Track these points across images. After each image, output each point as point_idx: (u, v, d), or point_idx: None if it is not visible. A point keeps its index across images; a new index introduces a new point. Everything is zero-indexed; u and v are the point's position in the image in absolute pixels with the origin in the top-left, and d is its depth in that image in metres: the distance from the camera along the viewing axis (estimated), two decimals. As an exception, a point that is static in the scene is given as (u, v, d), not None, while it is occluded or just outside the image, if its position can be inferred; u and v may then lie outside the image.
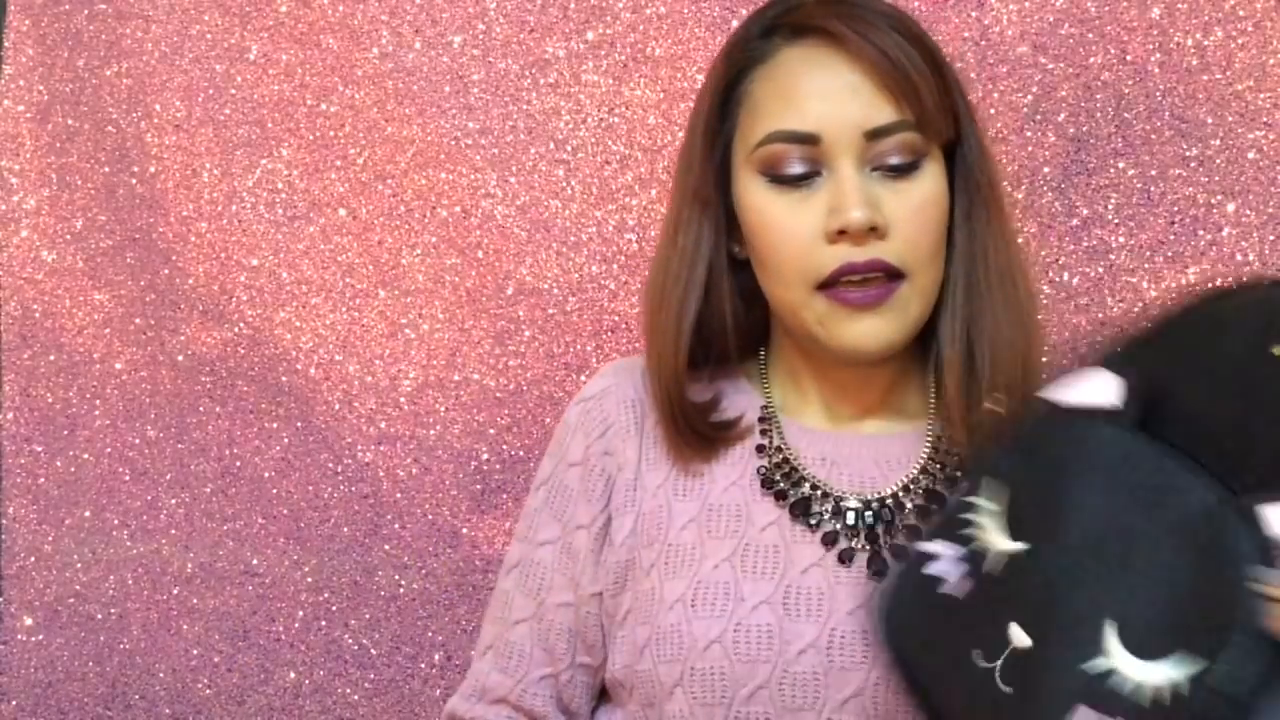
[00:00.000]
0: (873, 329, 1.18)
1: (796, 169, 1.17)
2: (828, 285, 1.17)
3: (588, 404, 1.31)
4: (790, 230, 1.17)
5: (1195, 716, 0.82)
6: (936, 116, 1.17)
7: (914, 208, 1.17)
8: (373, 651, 1.70)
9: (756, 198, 1.19)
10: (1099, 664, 0.84)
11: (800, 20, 1.20)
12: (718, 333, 1.26)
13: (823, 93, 1.16)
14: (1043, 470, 0.93)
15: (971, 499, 0.96)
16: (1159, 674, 0.83)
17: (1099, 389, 0.93)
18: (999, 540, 0.91)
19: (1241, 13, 1.55)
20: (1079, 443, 0.92)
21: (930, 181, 1.18)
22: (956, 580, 0.96)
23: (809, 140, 1.16)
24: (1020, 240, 1.33)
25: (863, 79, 1.16)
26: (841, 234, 1.15)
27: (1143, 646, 0.83)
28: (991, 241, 1.22)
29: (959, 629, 0.94)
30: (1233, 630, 0.82)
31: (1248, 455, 0.85)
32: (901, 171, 1.16)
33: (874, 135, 1.15)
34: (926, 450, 1.24)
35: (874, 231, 1.15)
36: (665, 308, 1.25)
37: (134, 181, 1.71)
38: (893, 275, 1.16)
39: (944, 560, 0.96)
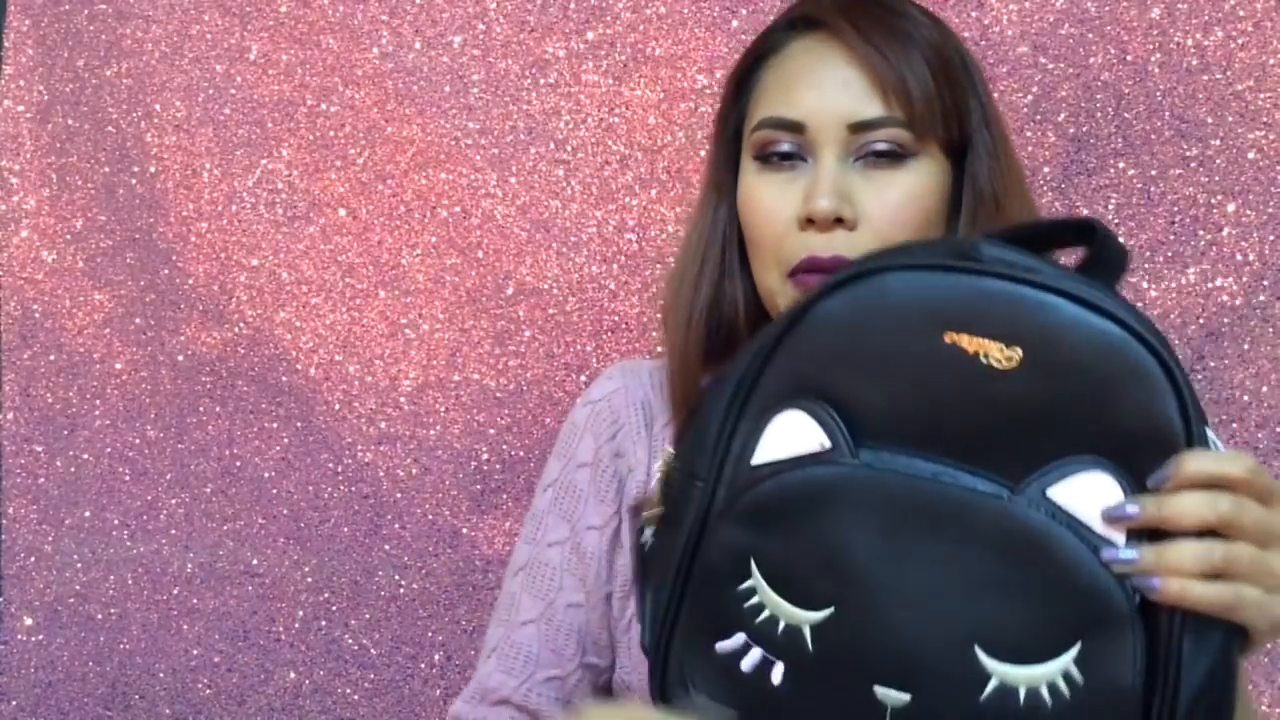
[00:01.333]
0: None
1: (784, 147, 1.18)
2: (796, 273, 1.17)
3: (596, 405, 1.30)
4: (770, 212, 1.18)
5: (1097, 698, 0.82)
6: (929, 117, 1.16)
7: (891, 201, 1.16)
8: (373, 651, 1.70)
9: (748, 180, 1.20)
10: (989, 687, 0.82)
11: (814, 13, 1.21)
12: (729, 320, 1.25)
13: (816, 84, 1.17)
14: (793, 533, 0.87)
15: (745, 582, 0.89)
16: (1049, 670, 0.82)
17: (798, 434, 0.88)
18: (794, 612, 0.86)
19: (1241, 13, 1.55)
20: (815, 493, 0.87)
21: (914, 177, 1.17)
22: (757, 664, 0.89)
23: (795, 128, 1.17)
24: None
25: (856, 74, 1.16)
26: (810, 222, 1.15)
27: (1021, 654, 0.82)
28: None
29: (814, 714, 0.88)
30: (1108, 615, 0.82)
31: (956, 446, 0.84)
32: (883, 163, 1.16)
33: (858, 128, 1.15)
34: None
35: (841, 223, 1.15)
36: (681, 292, 1.26)
37: (134, 181, 1.71)
38: None
39: (749, 653, 0.89)
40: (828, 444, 0.87)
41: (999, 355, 0.83)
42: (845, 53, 1.17)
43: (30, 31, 1.72)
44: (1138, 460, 0.82)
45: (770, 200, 1.18)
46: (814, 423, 0.87)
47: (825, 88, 1.17)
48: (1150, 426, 0.82)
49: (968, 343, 0.83)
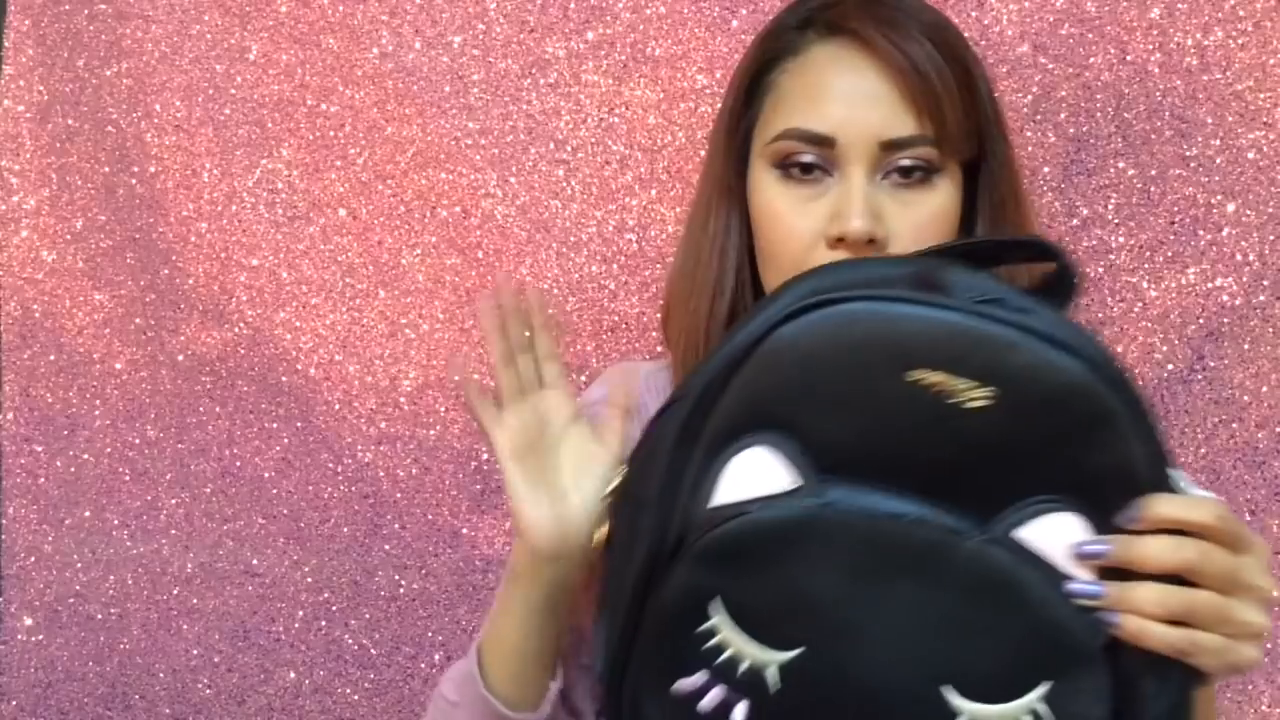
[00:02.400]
0: None
1: (808, 158, 1.15)
2: None
3: (591, 409, 1.27)
4: (793, 228, 1.16)
5: None
6: (957, 134, 1.14)
7: (919, 221, 1.15)
8: (373, 651, 1.70)
9: (766, 190, 1.18)
10: None
11: (836, 18, 1.18)
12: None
13: (845, 96, 1.14)
14: (760, 573, 0.85)
15: (705, 623, 0.87)
16: (1017, 708, 0.81)
17: (761, 471, 0.86)
18: (760, 653, 0.85)
19: (1241, 13, 1.54)
20: (783, 534, 0.84)
21: (941, 197, 1.16)
22: (719, 703, 0.88)
23: (824, 142, 1.14)
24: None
25: (888, 87, 1.13)
26: (840, 241, 1.13)
27: (990, 693, 0.82)
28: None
29: None
30: (1075, 654, 0.82)
31: (922, 483, 0.83)
32: (912, 183, 1.14)
33: (890, 146, 1.13)
34: None
35: (872, 243, 1.13)
36: (697, 295, 1.24)
37: (134, 181, 1.70)
38: None
39: (709, 692, 0.87)
40: (793, 483, 0.85)
41: (967, 394, 0.81)
42: (875, 64, 1.14)
43: (30, 31, 1.71)
44: (1105, 502, 0.82)
45: (792, 215, 1.16)
46: (779, 460, 0.85)
47: (856, 101, 1.14)
48: (1118, 469, 0.82)
49: (936, 380, 0.82)
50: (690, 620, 0.86)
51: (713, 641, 0.85)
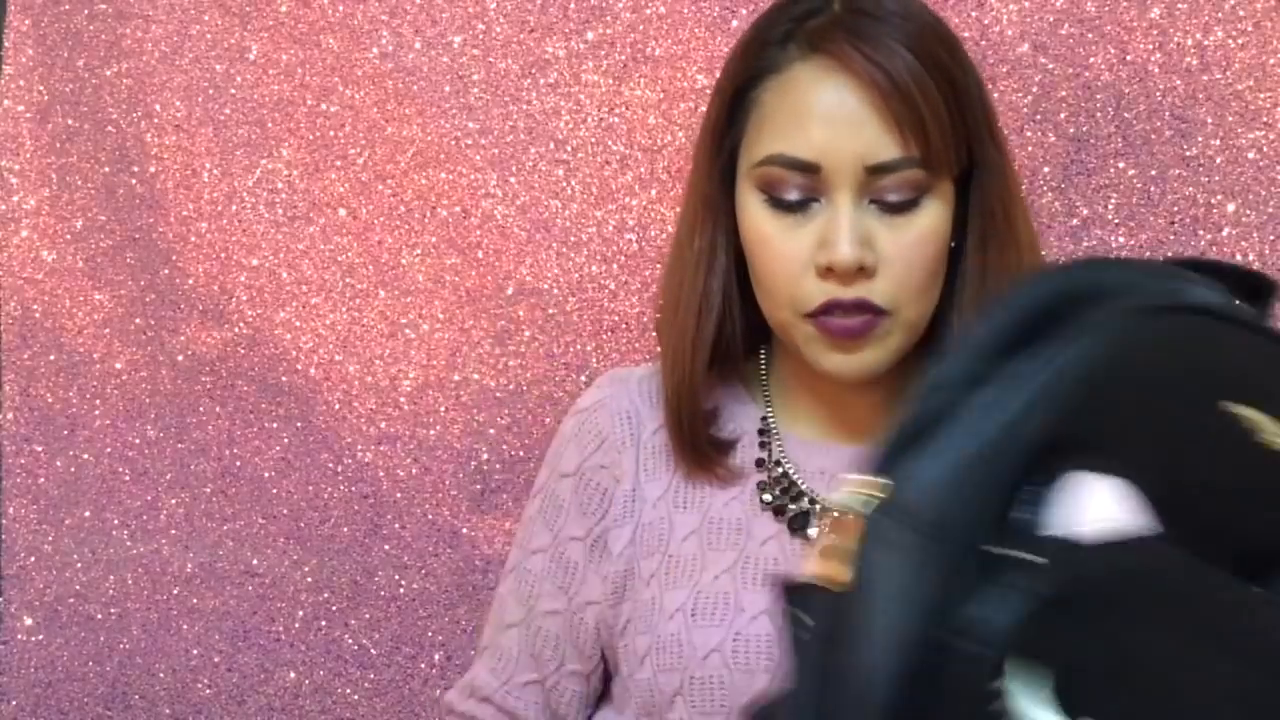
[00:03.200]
0: (853, 361, 1.18)
1: (793, 195, 1.16)
2: (817, 314, 1.17)
3: (582, 416, 1.32)
4: (782, 255, 1.16)
5: None
6: (944, 152, 1.15)
7: (908, 245, 1.15)
8: (373, 651, 1.70)
9: (754, 215, 1.19)
10: None
11: (816, 34, 1.17)
12: (729, 336, 1.26)
13: (828, 119, 1.14)
14: (1089, 627, 0.65)
15: (996, 689, 0.65)
16: None
17: (1108, 504, 0.68)
18: None
19: (1241, 13, 1.54)
20: (1128, 583, 0.66)
21: (930, 218, 1.17)
22: None
23: (809, 169, 1.14)
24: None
25: (870, 110, 1.13)
26: (829, 270, 1.14)
27: None
28: (1002, 273, 1.20)
29: None
30: None
31: (1238, 540, 0.69)
32: (900, 209, 1.15)
33: (875, 171, 1.14)
34: None
35: (862, 271, 1.14)
36: (683, 312, 1.25)
37: (134, 181, 1.71)
38: (878, 311, 1.16)
39: None
40: (1140, 525, 0.68)
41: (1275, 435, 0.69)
42: (856, 85, 1.14)
43: (30, 31, 1.71)
44: None
45: (781, 243, 1.16)
46: (1119, 496, 0.69)
47: (839, 125, 1.14)
48: None
49: (1247, 415, 0.70)
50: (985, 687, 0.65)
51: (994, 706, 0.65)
